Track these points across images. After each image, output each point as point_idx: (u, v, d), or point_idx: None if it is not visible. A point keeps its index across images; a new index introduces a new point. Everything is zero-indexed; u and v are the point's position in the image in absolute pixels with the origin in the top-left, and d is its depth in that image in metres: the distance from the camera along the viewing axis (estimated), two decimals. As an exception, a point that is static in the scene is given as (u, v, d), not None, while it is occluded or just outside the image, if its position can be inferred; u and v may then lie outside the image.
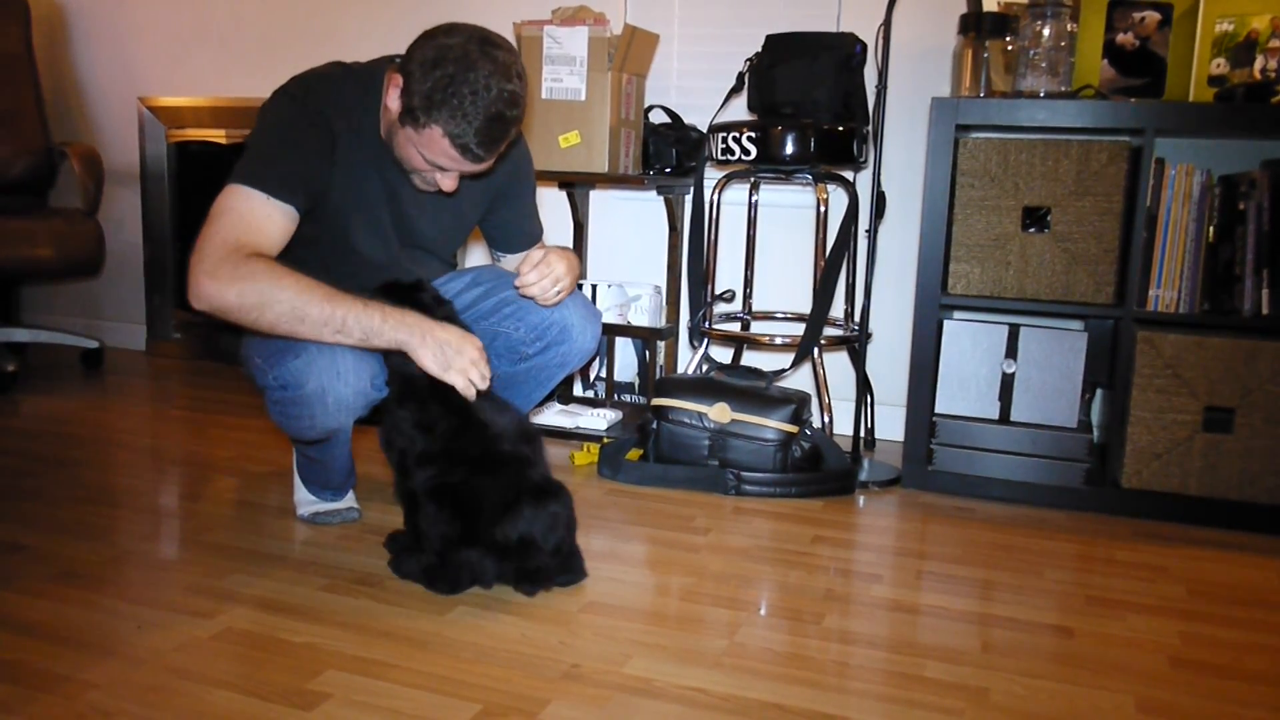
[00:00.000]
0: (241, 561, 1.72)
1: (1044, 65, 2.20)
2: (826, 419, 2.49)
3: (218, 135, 3.32)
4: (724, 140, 2.40)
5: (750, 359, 2.82)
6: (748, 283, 2.72)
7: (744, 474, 2.22)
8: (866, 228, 2.34)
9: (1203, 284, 2.12)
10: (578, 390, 2.86)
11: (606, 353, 2.78)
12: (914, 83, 2.61)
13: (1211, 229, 2.12)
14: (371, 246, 1.78)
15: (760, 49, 2.47)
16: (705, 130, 2.52)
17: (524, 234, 2.00)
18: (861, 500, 2.22)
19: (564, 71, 2.52)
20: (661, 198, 2.78)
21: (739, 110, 2.63)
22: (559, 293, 1.77)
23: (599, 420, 2.62)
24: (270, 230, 1.59)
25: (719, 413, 2.29)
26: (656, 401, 2.35)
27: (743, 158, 2.38)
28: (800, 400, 2.30)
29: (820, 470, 2.28)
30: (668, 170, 2.70)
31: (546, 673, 1.37)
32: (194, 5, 3.39)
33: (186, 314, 3.48)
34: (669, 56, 2.84)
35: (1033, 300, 2.20)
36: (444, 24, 1.61)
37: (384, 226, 1.78)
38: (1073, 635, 1.56)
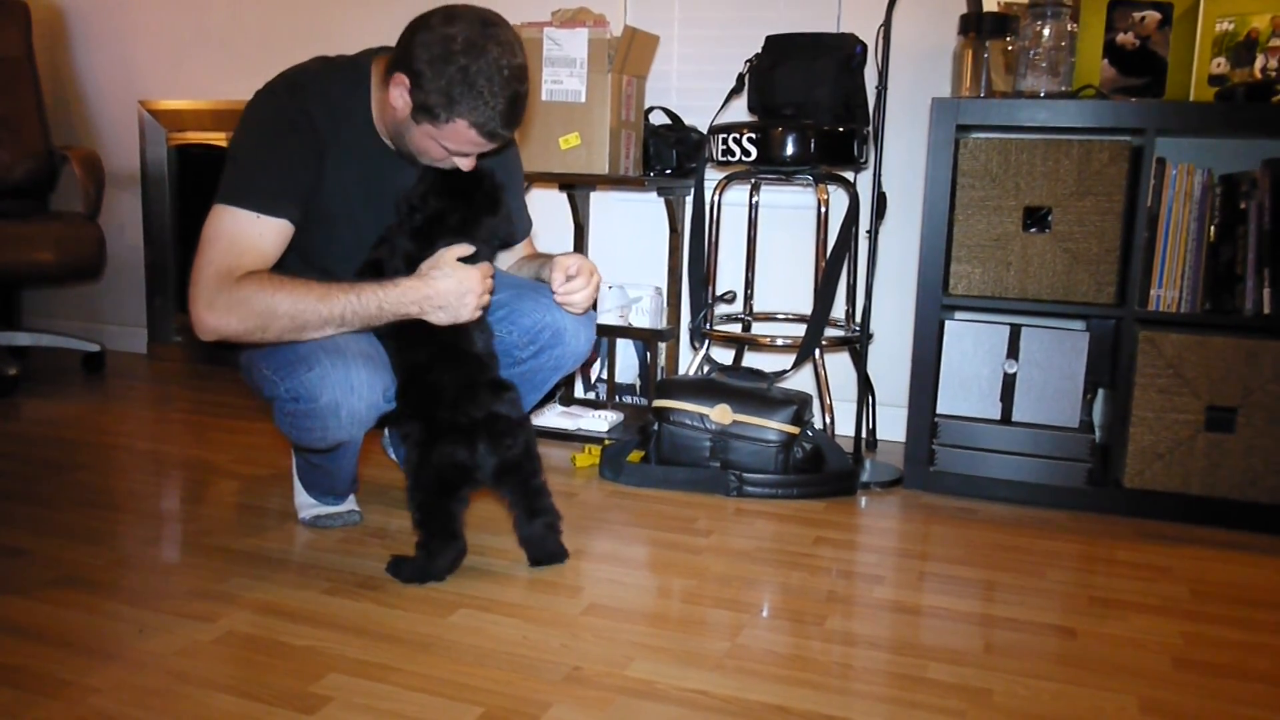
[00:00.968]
0: (243, 565, 1.72)
1: (1044, 65, 2.20)
2: (828, 420, 2.49)
3: (218, 138, 3.32)
4: (724, 141, 2.40)
5: (751, 360, 2.81)
6: (748, 284, 2.72)
7: (746, 475, 2.22)
8: (867, 228, 2.34)
9: (1204, 283, 2.12)
10: (579, 392, 2.86)
11: (607, 354, 2.78)
12: (914, 83, 2.61)
13: (1213, 228, 2.12)
14: (360, 241, 1.76)
15: (760, 50, 2.47)
16: (705, 131, 2.52)
17: (516, 228, 2.00)
18: (863, 501, 2.22)
19: (564, 73, 2.52)
20: (662, 199, 2.78)
21: (739, 111, 2.63)
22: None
23: (600, 422, 2.62)
24: (263, 248, 1.60)
25: (720, 414, 2.29)
26: (658, 403, 2.35)
27: (743, 159, 2.38)
28: (802, 401, 2.29)
29: (822, 471, 2.28)
30: (668, 171, 2.70)
31: (548, 675, 1.37)
32: (195, 9, 3.40)
33: (187, 317, 3.48)
34: (669, 58, 2.84)
35: (1034, 300, 2.19)
36: (435, 10, 1.59)
37: (379, 222, 1.76)
38: (1075, 636, 1.56)
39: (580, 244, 2.90)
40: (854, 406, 2.61)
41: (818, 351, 2.46)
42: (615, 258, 2.95)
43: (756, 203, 2.67)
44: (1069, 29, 2.20)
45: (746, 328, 2.75)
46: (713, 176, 2.65)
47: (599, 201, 2.96)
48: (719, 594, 1.67)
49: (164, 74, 3.46)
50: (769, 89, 2.42)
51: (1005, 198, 2.18)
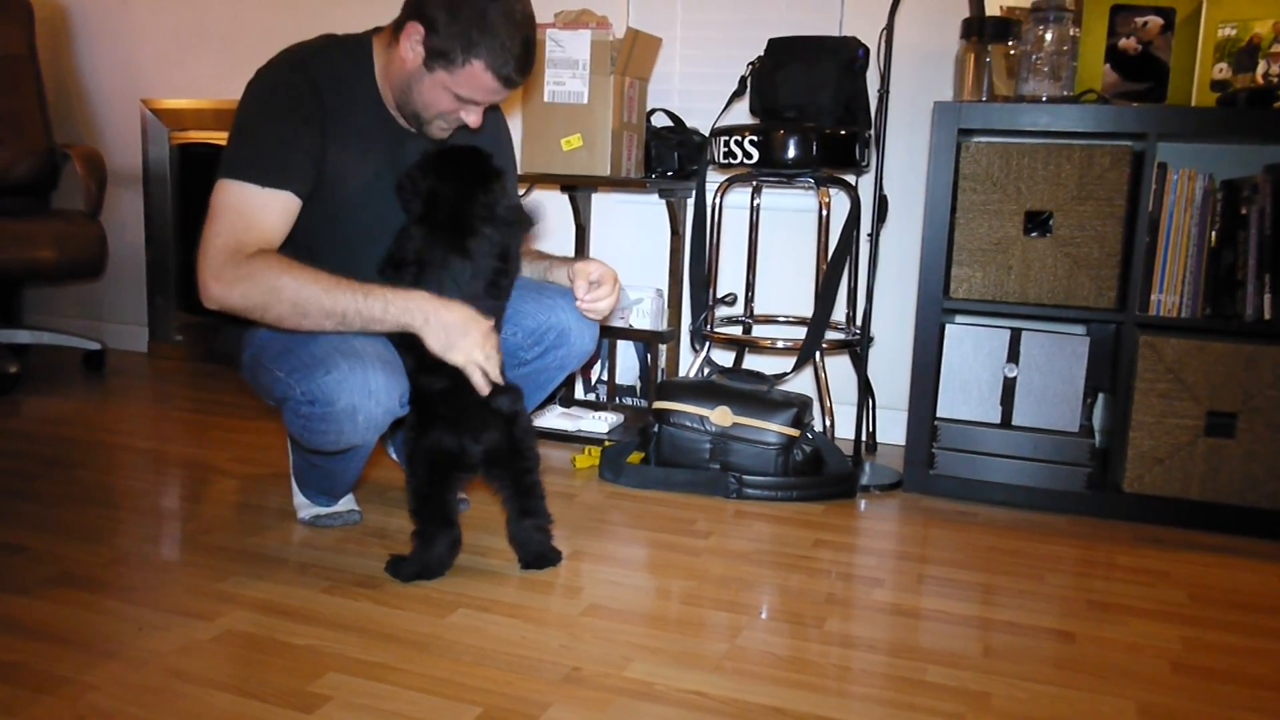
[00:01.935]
0: (242, 563, 1.72)
1: (1046, 70, 2.20)
2: (828, 422, 2.49)
3: (220, 137, 3.32)
4: (726, 144, 2.40)
5: (752, 362, 2.82)
6: (749, 286, 2.72)
7: (745, 477, 2.22)
8: (868, 231, 2.34)
9: (1205, 289, 2.12)
10: (579, 394, 2.86)
11: (608, 356, 2.78)
12: (916, 87, 2.62)
13: (1214, 234, 2.12)
14: (373, 218, 1.75)
15: (763, 53, 2.47)
16: (707, 134, 2.52)
17: (523, 214, 1.99)
18: (863, 504, 2.22)
19: (566, 75, 2.52)
20: (663, 201, 2.78)
21: (741, 114, 2.63)
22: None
23: (600, 423, 2.62)
24: (270, 221, 1.59)
25: (720, 416, 2.29)
26: (658, 405, 2.35)
27: (745, 161, 2.38)
28: (802, 404, 2.29)
29: (821, 474, 2.28)
30: (670, 173, 2.70)
31: (547, 675, 1.37)
32: (196, 7, 3.40)
33: (188, 316, 3.48)
34: (671, 60, 2.84)
35: (1035, 304, 2.20)
36: None
37: (384, 195, 1.75)
38: (1074, 640, 1.56)
39: (581, 246, 2.90)
40: (854, 409, 2.61)
41: (818, 354, 2.46)
42: (616, 259, 2.95)
43: (758, 205, 2.68)
44: (1071, 33, 2.20)
45: (747, 330, 2.75)
46: (714, 179, 2.65)
47: (600, 203, 2.96)
48: (718, 595, 1.67)
49: (166, 73, 3.47)
50: (771, 92, 2.42)
51: (1006, 202, 2.18)
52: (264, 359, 1.68)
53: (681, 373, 2.86)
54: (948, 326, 2.29)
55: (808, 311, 2.64)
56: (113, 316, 3.68)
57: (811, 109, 2.38)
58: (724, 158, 2.42)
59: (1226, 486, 2.09)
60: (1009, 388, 2.26)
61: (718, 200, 2.61)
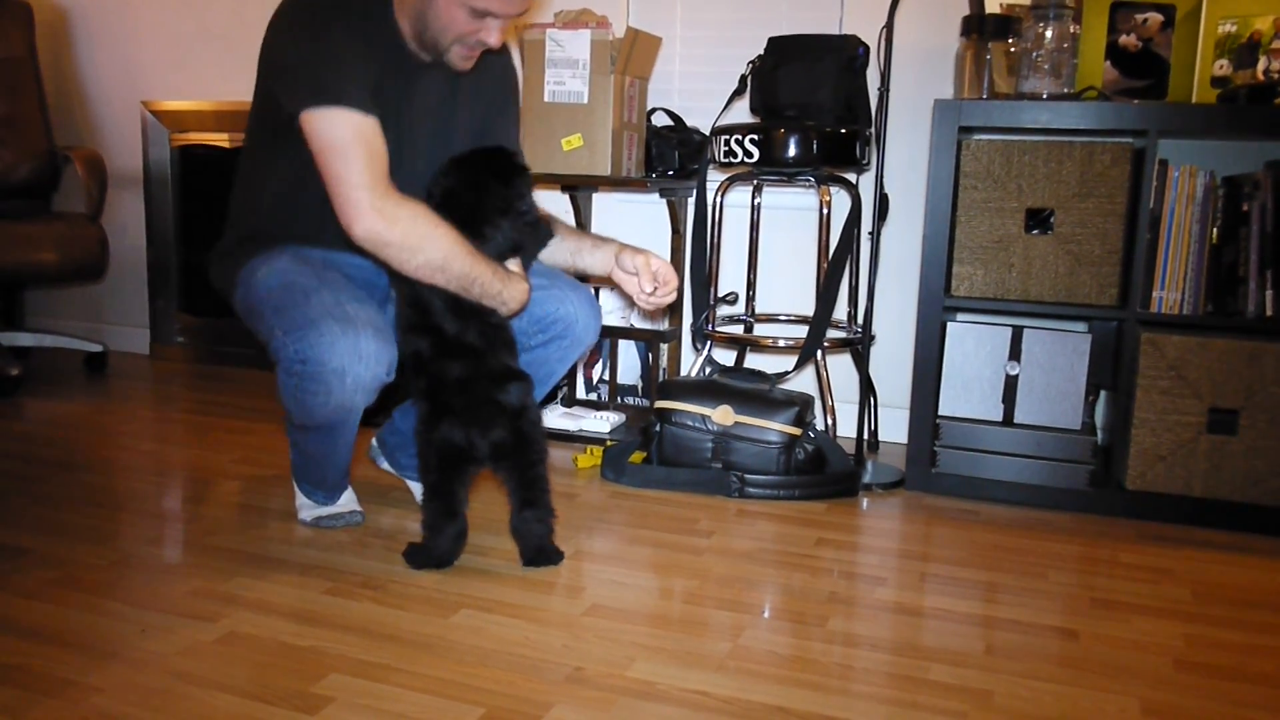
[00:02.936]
0: (245, 565, 1.73)
1: (1047, 67, 2.20)
2: (830, 421, 2.49)
3: (221, 139, 3.33)
4: (726, 143, 2.40)
5: (753, 361, 2.82)
6: (750, 285, 2.72)
7: (747, 476, 2.22)
8: (869, 230, 2.34)
9: (1206, 285, 2.12)
10: (581, 393, 2.86)
11: (609, 355, 2.78)
12: (916, 85, 2.61)
13: (1215, 230, 2.12)
14: (394, 153, 1.71)
15: (763, 51, 2.47)
16: (708, 133, 2.52)
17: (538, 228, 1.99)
18: (865, 502, 2.22)
19: (566, 75, 2.52)
20: (664, 200, 2.78)
21: (741, 113, 2.63)
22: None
23: (602, 423, 2.62)
24: (384, 150, 1.61)
25: (722, 415, 2.29)
26: (659, 404, 2.35)
27: (745, 160, 2.38)
28: (803, 402, 2.29)
29: (824, 473, 2.28)
30: (670, 173, 2.70)
31: (550, 676, 1.37)
32: (197, 9, 3.40)
33: (190, 318, 3.49)
34: (671, 59, 2.84)
35: (1036, 302, 2.19)
36: None
37: (405, 129, 1.75)
38: (1077, 638, 1.56)
39: (582, 245, 2.90)
40: (856, 408, 2.61)
41: (820, 353, 2.46)
42: (617, 259, 2.95)
43: (758, 204, 2.67)
44: (1071, 31, 2.20)
45: (748, 329, 2.75)
46: (715, 178, 2.65)
47: (601, 203, 2.96)
48: (720, 595, 1.67)
49: (167, 74, 3.47)
50: (771, 90, 2.42)
51: (1007, 199, 2.18)
52: (264, 310, 1.68)
53: (683, 372, 2.85)
54: (949, 324, 2.29)
55: (809, 310, 2.64)
56: (114, 318, 3.69)
57: (812, 107, 2.38)
58: (724, 157, 2.42)
59: (1229, 483, 2.08)
60: (1011, 385, 2.26)
61: (718, 199, 2.61)
